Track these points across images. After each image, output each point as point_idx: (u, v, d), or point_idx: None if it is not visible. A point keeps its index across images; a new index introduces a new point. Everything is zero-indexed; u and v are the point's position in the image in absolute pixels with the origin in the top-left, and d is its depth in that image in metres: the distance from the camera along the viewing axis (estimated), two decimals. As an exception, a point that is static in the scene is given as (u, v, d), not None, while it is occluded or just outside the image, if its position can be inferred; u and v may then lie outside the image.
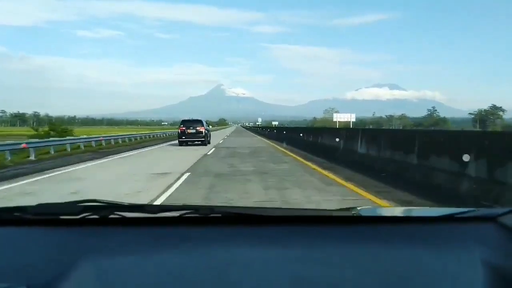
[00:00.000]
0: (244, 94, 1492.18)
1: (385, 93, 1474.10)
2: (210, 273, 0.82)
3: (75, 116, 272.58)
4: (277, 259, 0.88)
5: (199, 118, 21.01)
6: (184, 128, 19.56)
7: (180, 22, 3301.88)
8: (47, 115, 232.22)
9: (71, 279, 0.77)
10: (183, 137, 19.46)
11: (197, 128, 19.50)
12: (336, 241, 0.99)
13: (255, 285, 0.78)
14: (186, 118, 21.07)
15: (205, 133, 19.81)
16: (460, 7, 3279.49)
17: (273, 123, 61.20)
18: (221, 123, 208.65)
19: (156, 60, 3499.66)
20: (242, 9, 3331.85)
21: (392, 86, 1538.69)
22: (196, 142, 19.25)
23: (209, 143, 20.26)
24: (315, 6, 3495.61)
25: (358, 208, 1.14)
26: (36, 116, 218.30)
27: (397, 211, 1.44)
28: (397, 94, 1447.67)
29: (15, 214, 1.10)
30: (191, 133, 19.43)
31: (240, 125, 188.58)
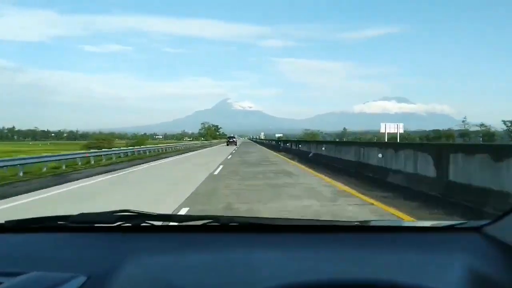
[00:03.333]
0: (251, 107, 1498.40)
1: (393, 106, 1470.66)
2: (231, 272, 0.92)
3: (36, 128, 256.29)
4: (288, 259, 0.99)
5: (235, 135, 76.29)
6: (228, 139, 61.63)
7: (187, 36, 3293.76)
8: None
9: (119, 275, 0.87)
10: (227, 142, 58.71)
11: (233, 139, 60.67)
12: (339, 246, 1.11)
13: (270, 280, 0.86)
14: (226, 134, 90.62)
15: (236, 141, 61.76)
16: (468, 20, 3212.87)
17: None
18: (214, 135, 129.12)
19: (163, 74, 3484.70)
20: (249, 23, 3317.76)
21: (400, 99, 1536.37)
22: (233, 144, 54.47)
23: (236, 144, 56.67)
24: (321, 20, 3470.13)
25: (360, 220, 1.31)
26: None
27: (392, 223, 1.65)
28: (406, 107, 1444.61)
29: (59, 222, 1.24)
30: (230, 141, 58.51)
31: (248, 139, 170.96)
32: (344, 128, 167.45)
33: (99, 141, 42.79)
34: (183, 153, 32.55)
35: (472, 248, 1.06)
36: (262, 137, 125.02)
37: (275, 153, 29.98)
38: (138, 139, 54.28)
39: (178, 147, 44.60)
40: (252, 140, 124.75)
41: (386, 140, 29.75)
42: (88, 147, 34.96)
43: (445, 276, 0.90)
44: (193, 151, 37.53)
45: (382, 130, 33.92)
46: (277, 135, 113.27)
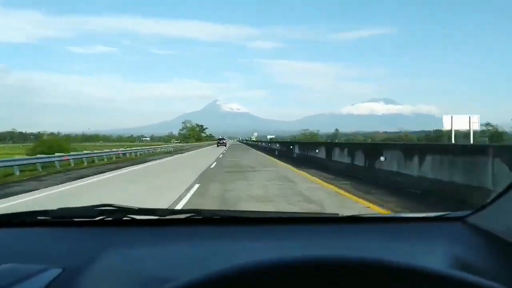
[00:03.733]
0: (239, 109, 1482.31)
1: (380, 108, 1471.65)
2: (213, 264, 0.91)
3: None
4: (271, 250, 1.00)
5: (225, 137, 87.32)
6: (218, 140, 67.26)
7: (176, 38, 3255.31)
8: None
9: (95, 268, 0.86)
10: (218, 144, 61.30)
11: (223, 140, 65.62)
12: (324, 236, 1.11)
13: None
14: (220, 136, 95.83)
15: (226, 142, 65.96)
16: (454, 22, 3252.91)
17: None
18: (198, 136, 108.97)
19: (152, 76, 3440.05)
20: (239, 24, 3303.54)
21: (388, 101, 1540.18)
22: (223, 145, 55.59)
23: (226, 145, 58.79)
24: (311, 21, 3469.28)
25: (345, 213, 1.31)
26: None
27: (377, 214, 1.56)
28: (393, 108, 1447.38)
29: (38, 217, 1.22)
30: (220, 142, 61.63)
31: (237, 141, 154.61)
32: (336, 129, 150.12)
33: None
34: (114, 169, 16.22)
35: (456, 237, 1.08)
36: (254, 139, 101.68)
37: (321, 181, 10.43)
38: (51, 143, 28.34)
39: (133, 154, 28.18)
40: (242, 142, 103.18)
41: (453, 141, 18.83)
42: (40, 151, 23.18)
43: (429, 264, 0.90)
44: (144, 162, 21.33)
45: (447, 127, 19.84)
46: (269, 137, 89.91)
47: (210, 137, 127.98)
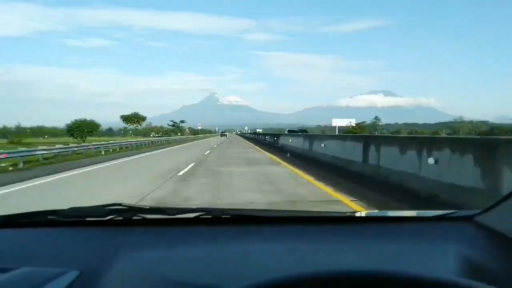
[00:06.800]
0: (237, 102, 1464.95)
1: (380, 100, 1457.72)
2: (224, 265, 0.91)
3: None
4: (281, 251, 1.00)
5: (226, 131, 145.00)
6: (221, 133, 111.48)
7: (171, 30, 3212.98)
8: None
9: (111, 270, 0.87)
10: (221, 135, 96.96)
11: (225, 133, 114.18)
12: (333, 237, 1.12)
13: (263, 272, 0.86)
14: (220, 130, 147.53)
15: (227, 134, 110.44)
16: (454, 14, 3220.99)
17: None
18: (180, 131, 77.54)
19: (148, 69, 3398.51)
20: (233, 16, 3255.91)
21: (387, 93, 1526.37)
22: (224, 137, 76.38)
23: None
24: (307, 13, 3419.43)
25: (351, 211, 1.34)
26: None
27: (383, 213, 1.64)
28: (392, 101, 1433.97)
29: (49, 217, 1.22)
30: (223, 134, 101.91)
31: (236, 133, 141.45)
32: (376, 117, 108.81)
33: None
34: None
35: (465, 237, 1.07)
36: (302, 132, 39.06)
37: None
38: None
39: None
40: (242, 136, 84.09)
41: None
42: None
43: (439, 265, 0.91)
44: None
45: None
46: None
47: (173, 128, 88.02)
